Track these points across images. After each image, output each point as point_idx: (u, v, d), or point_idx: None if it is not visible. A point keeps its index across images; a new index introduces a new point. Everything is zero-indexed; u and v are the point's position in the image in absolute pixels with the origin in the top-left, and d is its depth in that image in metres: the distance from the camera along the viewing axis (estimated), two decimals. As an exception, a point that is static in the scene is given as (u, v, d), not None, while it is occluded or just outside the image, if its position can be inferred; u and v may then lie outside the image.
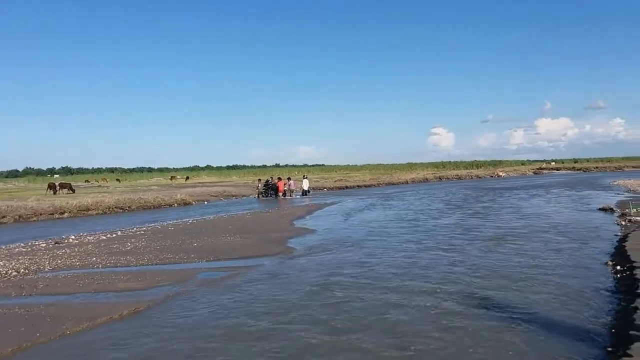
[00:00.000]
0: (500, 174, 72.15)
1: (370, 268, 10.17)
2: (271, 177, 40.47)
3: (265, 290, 8.66)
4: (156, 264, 11.53)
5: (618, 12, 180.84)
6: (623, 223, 15.42)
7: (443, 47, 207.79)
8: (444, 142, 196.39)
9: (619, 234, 13.42)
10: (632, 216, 16.43)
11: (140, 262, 11.76)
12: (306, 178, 40.15)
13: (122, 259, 12.16)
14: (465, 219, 18.41)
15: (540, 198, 27.75)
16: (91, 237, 16.04)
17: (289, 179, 38.58)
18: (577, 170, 79.81)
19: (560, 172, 78.81)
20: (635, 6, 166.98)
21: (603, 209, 19.61)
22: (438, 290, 8.22)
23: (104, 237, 15.91)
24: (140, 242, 14.79)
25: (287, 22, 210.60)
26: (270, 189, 37.14)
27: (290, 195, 36.55)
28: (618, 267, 9.34)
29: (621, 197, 25.70)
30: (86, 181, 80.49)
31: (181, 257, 12.13)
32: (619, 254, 10.58)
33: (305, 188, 38.14)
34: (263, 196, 36.93)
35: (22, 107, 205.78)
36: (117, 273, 10.49)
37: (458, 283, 8.66)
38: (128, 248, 13.69)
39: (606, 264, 9.86)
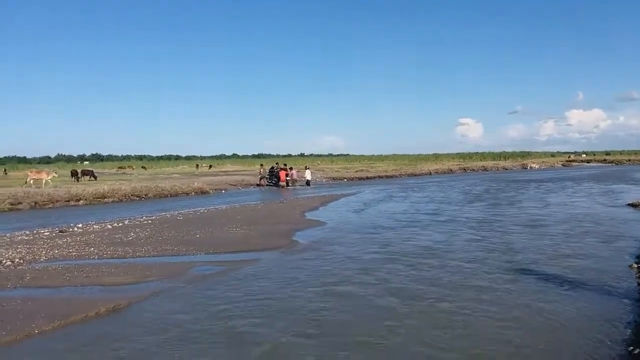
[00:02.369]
0: (533, 165, 70.31)
1: (371, 272, 9.50)
2: (276, 164, 40.05)
3: (252, 290, 8.06)
4: (153, 256, 11.13)
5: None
6: (653, 220, 14.44)
7: (470, 38, 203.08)
8: (472, 132, 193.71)
9: (648, 232, 12.50)
10: (663, 213, 15.39)
11: (137, 253, 11.37)
12: (308, 169, 40.01)
13: (120, 249, 11.80)
14: (481, 218, 17.56)
15: (566, 191, 26.56)
16: (97, 226, 15.77)
17: (290, 168, 38.25)
18: (609, 162, 77.25)
19: (591, 164, 76.44)
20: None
21: (633, 205, 18.53)
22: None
23: (110, 227, 15.62)
24: (144, 232, 14.44)
25: (314, 15, 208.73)
26: (275, 176, 36.78)
27: (293, 185, 36.21)
28: (644, 271, 8.52)
29: (653, 192, 24.45)
30: (120, 168, 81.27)
31: (180, 250, 11.69)
32: (646, 255, 9.72)
33: (309, 178, 37.85)
34: (267, 182, 36.55)
35: (57, 95, 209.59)
36: (109, 265, 10.11)
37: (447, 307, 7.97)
38: (130, 238, 13.34)
39: (630, 266, 9.03)
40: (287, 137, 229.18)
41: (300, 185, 36.77)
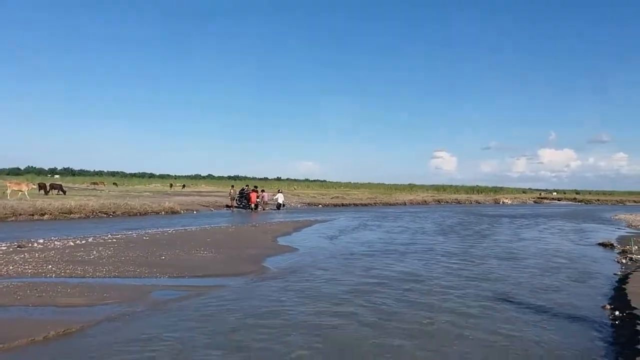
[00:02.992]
0: (506, 200, 71.21)
1: (341, 305, 9.17)
2: (247, 186, 39.69)
3: (212, 320, 7.62)
4: (114, 277, 10.60)
5: (621, 51, 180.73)
6: (623, 261, 14.49)
7: (445, 74, 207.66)
8: (447, 165, 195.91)
9: (619, 273, 12.48)
10: (633, 254, 15.49)
11: (97, 273, 10.81)
12: (281, 192, 40.14)
13: (79, 268, 11.22)
14: (450, 250, 17.43)
15: (537, 229, 26.73)
16: (59, 243, 15.09)
17: (262, 190, 37.96)
18: (579, 201, 78.92)
19: (561, 202, 77.93)
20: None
21: (603, 244, 18.67)
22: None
23: (72, 244, 14.96)
24: (107, 250, 13.85)
25: (293, 37, 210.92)
26: (245, 198, 36.41)
27: (263, 208, 35.90)
28: (617, 313, 8.38)
29: (622, 232, 24.79)
30: (93, 183, 79.41)
31: (142, 271, 11.17)
32: (618, 296, 9.63)
33: (280, 202, 37.80)
34: (237, 204, 36.14)
35: (27, 106, 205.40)
36: (66, 285, 9.54)
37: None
38: (91, 257, 12.75)
39: (603, 307, 8.90)
40: (264, 160, 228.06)
41: (271, 209, 36.48)
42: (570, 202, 77.33)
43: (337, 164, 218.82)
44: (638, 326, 7.20)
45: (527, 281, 11.25)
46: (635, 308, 8.21)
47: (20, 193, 32.66)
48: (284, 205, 37.45)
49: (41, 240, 15.40)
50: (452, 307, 8.74)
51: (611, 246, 18.13)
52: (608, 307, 8.87)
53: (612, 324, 7.81)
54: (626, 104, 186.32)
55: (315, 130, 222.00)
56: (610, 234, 23.32)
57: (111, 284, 9.91)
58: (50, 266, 11.35)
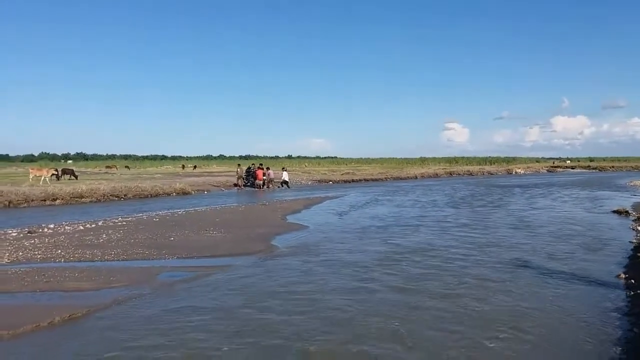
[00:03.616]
0: (519, 170, 70.53)
1: (350, 282, 9.07)
2: (253, 164, 39.59)
3: (220, 301, 7.54)
4: (123, 260, 10.60)
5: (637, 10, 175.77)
6: (639, 228, 14.19)
7: (457, 43, 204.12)
8: (458, 137, 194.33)
9: (634, 240, 12.22)
10: (649, 221, 15.19)
11: (106, 257, 10.82)
12: (285, 170, 39.74)
13: (88, 252, 11.24)
14: (463, 222, 17.24)
15: (550, 197, 26.38)
16: (69, 227, 15.15)
17: (267, 168, 37.81)
18: (593, 169, 77.78)
19: (575, 170, 76.90)
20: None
21: (617, 212, 18.34)
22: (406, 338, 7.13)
23: (82, 228, 15.01)
24: (117, 233, 13.87)
25: (304, 16, 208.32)
26: (252, 177, 36.37)
27: (269, 186, 35.91)
28: (632, 281, 8.18)
29: (637, 199, 24.36)
30: (107, 167, 79.98)
31: (151, 253, 11.16)
32: (633, 265, 9.42)
33: (286, 179, 37.64)
34: (244, 182, 36.14)
35: (41, 93, 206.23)
36: (74, 269, 9.55)
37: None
38: (101, 240, 12.77)
39: (618, 276, 8.70)
40: (275, 139, 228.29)
41: (278, 187, 36.45)
42: (584, 170, 76.28)
43: (349, 141, 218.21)
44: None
45: (541, 250, 11.07)
46: (651, 276, 8.02)
47: (42, 179, 33.54)
48: (287, 183, 37.35)
49: (52, 225, 15.46)
50: (473, 273, 8.65)
51: (626, 213, 17.82)
52: (623, 276, 8.67)
53: (627, 294, 7.62)
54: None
55: (326, 107, 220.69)
56: (625, 201, 22.94)
57: (119, 267, 9.91)
58: (59, 251, 11.37)
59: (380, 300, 7.45)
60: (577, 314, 6.73)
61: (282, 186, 36.82)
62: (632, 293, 7.59)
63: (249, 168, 38.12)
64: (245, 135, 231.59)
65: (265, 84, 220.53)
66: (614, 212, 18.53)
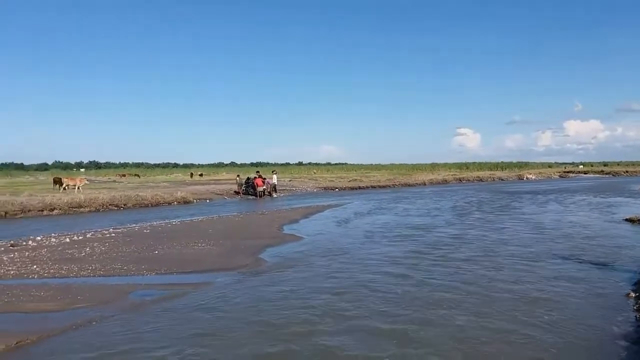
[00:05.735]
0: (530, 176, 69.31)
1: (335, 306, 8.39)
2: (257, 173, 38.72)
3: (184, 326, 6.90)
4: (99, 275, 10.04)
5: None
6: (652, 239, 13.36)
7: (468, 48, 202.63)
8: (470, 142, 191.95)
9: (647, 253, 11.41)
10: (663, 230, 14.33)
11: (82, 272, 10.26)
12: (275, 173, 39.44)
13: (65, 267, 10.70)
14: (465, 230, 16.48)
15: (560, 204, 25.44)
16: (55, 239, 14.62)
17: (273, 173, 37.22)
18: (606, 174, 76.16)
19: (588, 175, 75.48)
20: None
21: (630, 220, 17.45)
22: None
23: (68, 240, 14.47)
24: (102, 246, 13.32)
25: (312, 24, 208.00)
26: (251, 187, 35.74)
27: (271, 194, 35.62)
28: (642, 302, 7.42)
29: (652, 206, 23.39)
30: (122, 175, 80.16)
31: (129, 269, 10.56)
32: (645, 282, 8.64)
33: (275, 182, 37.21)
34: (243, 193, 35.60)
35: (55, 102, 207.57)
36: (43, 287, 8.99)
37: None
38: (82, 254, 12.21)
39: (627, 295, 7.93)
40: (286, 145, 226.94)
41: (276, 195, 35.82)
42: (597, 175, 74.78)
43: (359, 147, 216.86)
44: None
45: (544, 263, 10.32)
46: (663, 296, 7.25)
47: (76, 187, 34.29)
48: (275, 187, 36.78)
49: (39, 238, 14.96)
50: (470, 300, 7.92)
51: (639, 222, 16.94)
52: (632, 295, 7.90)
53: (636, 316, 6.86)
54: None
55: (337, 113, 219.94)
56: (639, 208, 21.99)
57: (92, 284, 9.34)
58: (35, 266, 10.83)
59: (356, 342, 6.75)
60: (580, 340, 6.00)
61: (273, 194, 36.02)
62: (641, 316, 6.84)
63: (248, 179, 37.36)
64: (255, 142, 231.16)
65: (277, 90, 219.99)
66: (627, 220, 17.65)
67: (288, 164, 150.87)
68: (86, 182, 37.83)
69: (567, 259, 10.97)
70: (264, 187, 35.28)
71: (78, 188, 34.24)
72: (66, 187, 34.45)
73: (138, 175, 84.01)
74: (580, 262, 10.61)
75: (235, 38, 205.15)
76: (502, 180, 63.88)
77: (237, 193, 36.10)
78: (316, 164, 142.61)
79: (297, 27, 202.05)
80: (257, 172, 39.43)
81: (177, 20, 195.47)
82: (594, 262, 10.58)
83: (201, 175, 76.93)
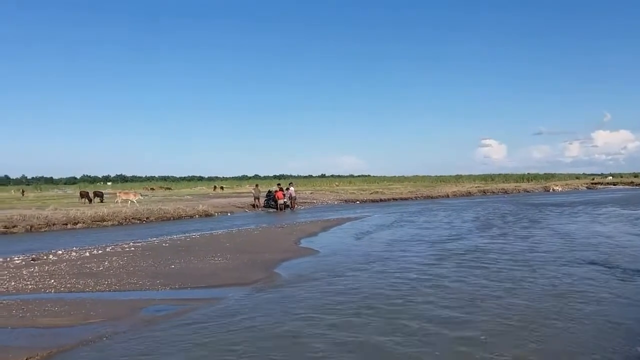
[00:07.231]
0: (556, 188, 68.02)
1: (349, 323, 8.27)
2: (278, 185, 38.14)
3: (182, 344, 6.87)
4: (114, 290, 10.09)
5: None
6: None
7: (493, 58, 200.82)
8: (495, 154, 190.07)
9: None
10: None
11: (98, 287, 10.33)
12: (292, 185, 38.46)
13: (82, 282, 10.78)
14: (487, 246, 16.16)
15: (585, 216, 24.82)
16: (75, 253, 14.82)
17: (287, 187, 36.80)
18: (637, 185, 74.23)
19: (617, 187, 73.62)
20: None
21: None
22: None
23: (88, 254, 14.64)
24: (120, 260, 13.43)
25: (335, 36, 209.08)
26: (272, 200, 35.63)
27: (293, 207, 35.47)
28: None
29: (683, 219, 22.63)
30: (151, 189, 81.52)
31: (144, 284, 10.60)
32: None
33: (294, 195, 36.99)
34: (264, 206, 35.51)
35: (84, 115, 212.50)
36: (58, 302, 9.05)
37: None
38: (100, 269, 12.31)
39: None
40: (309, 158, 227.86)
41: (290, 208, 35.64)
42: (627, 186, 72.96)
43: (382, 159, 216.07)
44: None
45: (559, 281, 10.01)
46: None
47: (130, 202, 35.35)
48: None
49: (60, 252, 15.18)
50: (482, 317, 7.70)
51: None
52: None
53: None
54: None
55: (360, 124, 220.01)
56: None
57: (106, 299, 9.38)
58: (52, 281, 10.94)
59: None
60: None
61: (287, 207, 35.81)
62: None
63: (269, 192, 37.27)
64: (279, 155, 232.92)
65: (301, 102, 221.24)
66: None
67: (311, 176, 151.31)
68: (140, 196, 38.53)
69: (587, 281, 10.63)
70: (285, 199, 35.26)
71: (132, 202, 35.26)
72: (119, 202, 35.84)
73: (170, 188, 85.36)
74: (599, 286, 10.25)
75: (257, 49, 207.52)
76: (528, 192, 62.84)
77: (253, 206, 35.95)
78: (338, 176, 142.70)
79: (318, 37, 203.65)
80: (278, 184, 39.33)
81: (203, 36, 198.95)
82: (612, 287, 10.18)
83: (222, 188, 77.46)
